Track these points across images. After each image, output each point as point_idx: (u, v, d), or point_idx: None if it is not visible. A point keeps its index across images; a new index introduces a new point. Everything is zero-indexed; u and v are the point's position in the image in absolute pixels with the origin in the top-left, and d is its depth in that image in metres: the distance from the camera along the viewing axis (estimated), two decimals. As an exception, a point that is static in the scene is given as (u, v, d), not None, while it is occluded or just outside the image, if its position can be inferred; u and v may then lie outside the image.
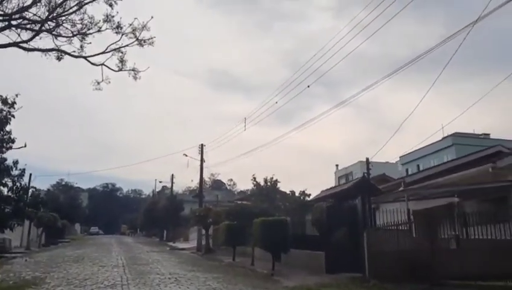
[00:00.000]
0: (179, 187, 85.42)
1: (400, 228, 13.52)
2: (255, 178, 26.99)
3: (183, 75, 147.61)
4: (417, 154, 56.20)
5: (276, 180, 26.90)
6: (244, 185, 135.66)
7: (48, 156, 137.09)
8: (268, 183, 26.89)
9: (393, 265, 12.54)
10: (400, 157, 60.74)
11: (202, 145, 34.41)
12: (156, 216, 55.14)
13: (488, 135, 54.73)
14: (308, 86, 17.03)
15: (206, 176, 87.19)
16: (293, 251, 16.78)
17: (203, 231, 30.51)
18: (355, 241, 16.04)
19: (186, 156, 36.45)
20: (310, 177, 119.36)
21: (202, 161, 33.66)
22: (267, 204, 22.54)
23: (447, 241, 11.32)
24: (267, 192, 26.39)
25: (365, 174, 15.13)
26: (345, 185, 14.50)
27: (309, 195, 25.97)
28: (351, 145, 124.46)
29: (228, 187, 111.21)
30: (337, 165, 74.36)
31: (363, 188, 13.79)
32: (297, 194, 25.59)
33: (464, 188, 14.98)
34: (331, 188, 16.82)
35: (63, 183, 77.66)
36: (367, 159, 15.53)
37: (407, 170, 57.68)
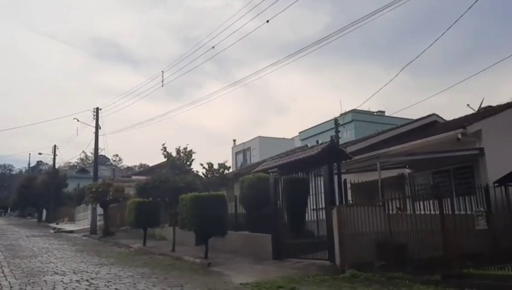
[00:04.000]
0: (57, 162, 76.88)
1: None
2: (165, 148, 22.95)
3: (63, 42, 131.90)
4: (317, 130, 56.47)
5: (191, 150, 23.23)
6: (130, 161, 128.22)
7: None
8: (182, 154, 23.08)
9: (376, 250, 10.09)
10: (299, 133, 60.70)
11: (97, 109, 29.28)
12: (33, 194, 47.91)
13: (383, 112, 56.62)
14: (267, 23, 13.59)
15: (88, 151, 79.30)
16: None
17: (99, 210, 25.99)
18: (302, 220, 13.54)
19: (78, 121, 31.62)
20: (205, 154, 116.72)
21: (98, 126, 28.62)
22: (190, 177, 18.85)
23: (467, 219, 8.99)
24: (181, 164, 22.60)
25: (333, 138, 12.24)
26: (309, 150, 11.55)
27: (228, 168, 22.94)
28: (239, 123, 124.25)
29: (113, 163, 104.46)
30: (234, 140, 72.58)
31: (330, 155, 10.98)
32: (215, 167, 22.24)
33: (435, 156, 13.06)
34: (277, 156, 13.79)
35: None
36: (335, 119, 12.87)
37: (306, 146, 57.74)
